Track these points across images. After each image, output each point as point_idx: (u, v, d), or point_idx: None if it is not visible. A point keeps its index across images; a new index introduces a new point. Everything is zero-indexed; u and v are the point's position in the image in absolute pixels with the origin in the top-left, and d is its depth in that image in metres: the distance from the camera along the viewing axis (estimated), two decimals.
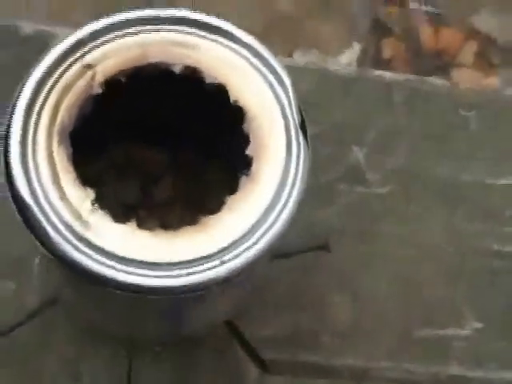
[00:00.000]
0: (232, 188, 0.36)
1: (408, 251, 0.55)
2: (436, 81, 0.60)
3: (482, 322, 0.54)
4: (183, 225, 0.35)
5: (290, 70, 0.58)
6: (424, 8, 1.46)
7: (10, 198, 0.35)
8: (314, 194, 0.55)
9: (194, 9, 0.38)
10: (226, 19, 0.38)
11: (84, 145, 0.36)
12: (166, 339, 0.48)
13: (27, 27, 0.57)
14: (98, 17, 0.37)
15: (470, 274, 0.55)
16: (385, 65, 1.28)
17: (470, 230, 0.56)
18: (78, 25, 0.38)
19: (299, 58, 1.16)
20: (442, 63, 1.30)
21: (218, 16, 0.38)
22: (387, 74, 0.60)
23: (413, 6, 1.46)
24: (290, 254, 0.52)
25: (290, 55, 1.15)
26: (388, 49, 1.45)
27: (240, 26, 0.39)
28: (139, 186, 0.47)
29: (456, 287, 0.55)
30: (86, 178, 0.36)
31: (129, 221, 0.35)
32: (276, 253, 0.45)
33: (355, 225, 0.55)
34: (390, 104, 0.59)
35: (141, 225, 0.35)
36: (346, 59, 1.24)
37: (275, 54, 0.39)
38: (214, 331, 0.51)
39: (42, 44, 0.56)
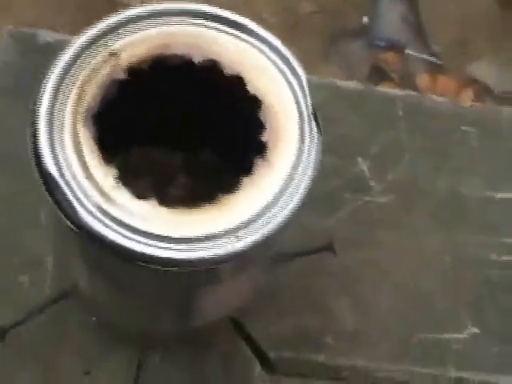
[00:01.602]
0: (247, 172, 0.38)
1: (408, 259, 0.57)
2: (438, 98, 0.63)
3: (479, 327, 0.55)
4: (201, 202, 0.37)
5: None
6: (422, 56, 1.50)
7: (37, 174, 0.36)
8: (319, 201, 0.57)
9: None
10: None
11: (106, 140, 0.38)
12: (178, 330, 0.49)
13: (46, 36, 0.59)
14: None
15: (469, 282, 0.57)
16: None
17: (469, 240, 0.58)
18: None
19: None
20: None
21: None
22: (390, 90, 0.62)
23: (411, 53, 1.50)
24: (296, 255, 0.54)
25: None
26: None
27: None
28: (153, 185, 0.49)
29: (455, 294, 0.56)
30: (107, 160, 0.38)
31: (151, 197, 0.36)
32: (282, 247, 0.47)
33: (358, 232, 0.57)
34: (394, 119, 0.61)
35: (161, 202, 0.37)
36: None
37: None
38: (222, 331, 0.52)
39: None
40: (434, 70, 1.50)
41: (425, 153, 0.60)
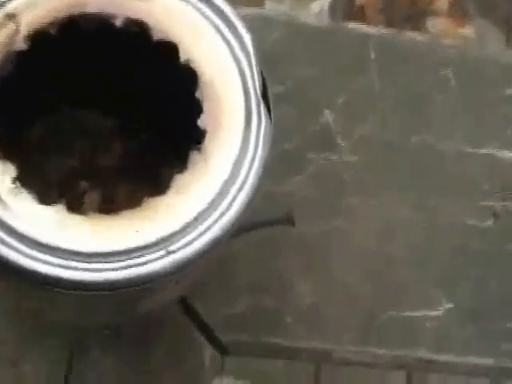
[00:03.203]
0: (180, 166, 0.31)
1: (377, 226, 0.51)
2: (415, 36, 0.55)
3: (453, 303, 0.50)
4: (124, 206, 0.30)
5: (258, 20, 0.53)
6: None
7: None
8: (279, 161, 0.50)
9: None
10: None
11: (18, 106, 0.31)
12: (113, 324, 0.43)
13: None
14: None
15: (442, 251, 0.51)
16: (357, 13, 1.22)
17: (445, 203, 0.52)
18: None
19: (271, 7, 1.08)
20: (416, 11, 1.25)
21: None
22: (363, 28, 0.54)
23: None
24: (251, 227, 0.47)
25: (262, 4, 1.08)
26: None
27: None
28: (84, 153, 0.42)
29: (427, 266, 0.51)
30: (14, 146, 0.31)
31: (57, 203, 0.29)
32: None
33: (322, 196, 0.50)
34: (365, 61, 0.53)
35: (74, 206, 0.30)
36: (318, 7, 1.17)
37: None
38: (169, 313, 0.47)
39: None
40: None
41: (399, 102, 0.53)
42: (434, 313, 0.49)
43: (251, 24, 0.52)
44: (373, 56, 0.53)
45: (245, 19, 0.48)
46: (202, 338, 0.47)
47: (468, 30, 1.28)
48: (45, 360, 0.45)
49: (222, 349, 0.47)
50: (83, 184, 0.40)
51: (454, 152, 0.52)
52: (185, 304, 0.47)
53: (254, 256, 0.48)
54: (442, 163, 0.52)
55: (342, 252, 0.49)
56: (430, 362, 0.49)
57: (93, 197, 0.40)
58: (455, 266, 0.50)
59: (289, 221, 0.47)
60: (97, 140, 0.42)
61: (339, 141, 0.51)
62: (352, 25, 0.54)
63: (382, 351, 0.49)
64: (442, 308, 0.49)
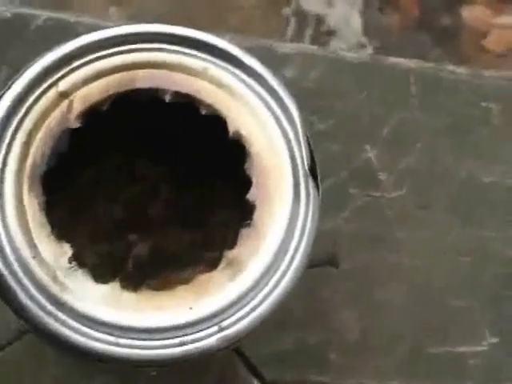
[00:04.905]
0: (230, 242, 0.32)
1: (421, 260, 0.51)
2: (456, 69, 0.55)
3: (499, 337, 0.50)
4: (175, 282, 0.31)
5: (299, 56, 0.53)
6: None
7: None
8: (322, 197, 0.50)
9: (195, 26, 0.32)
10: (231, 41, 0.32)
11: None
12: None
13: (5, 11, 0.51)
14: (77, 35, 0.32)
15: (488, 284, 0.51)
16: (392, 2, 1.22)
17: (489, 236, 0.52)
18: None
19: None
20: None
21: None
22: (403, 62, 0.54)
23: None
24: None
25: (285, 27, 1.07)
26: None
27: None
28: (132, 202, 0.42)
29: (472, 299, 0.51)
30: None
31: (112, 280, 0.30)
32: None
33: (366, 232, 0.51)
34: (406, 95, 0.53)
35: (126, 280, 0.31)
36: None
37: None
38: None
39: (20, 27, 0.51)
40: None
41: (441, 136, 0.53)
42: (480, 347, 0.50)
43: (292, 60, 0.52)
44: (414, 90, 0.53)
45: (286, 56, 0.49)
46: (249, 375, 0.48)
47: (506, 19, 1.26)
48: None
49: None
50: (132, 237, 0.41)
51: (496, 184, 0.52)
52: None
53: (298, 293, 0.49)
54: (485, 195, 0.52)
55: (386, 287, 0.49)
56: None
57: (140, 250, 0.41)
58: (500, 299, 0.51)
59: (332, 263, 0.48)
60: (143, 188, 0.43)
61: (382, 177, 0.51)
62: (393, 59, 0.54)
63: None
64: (488, 342, 0.50)
